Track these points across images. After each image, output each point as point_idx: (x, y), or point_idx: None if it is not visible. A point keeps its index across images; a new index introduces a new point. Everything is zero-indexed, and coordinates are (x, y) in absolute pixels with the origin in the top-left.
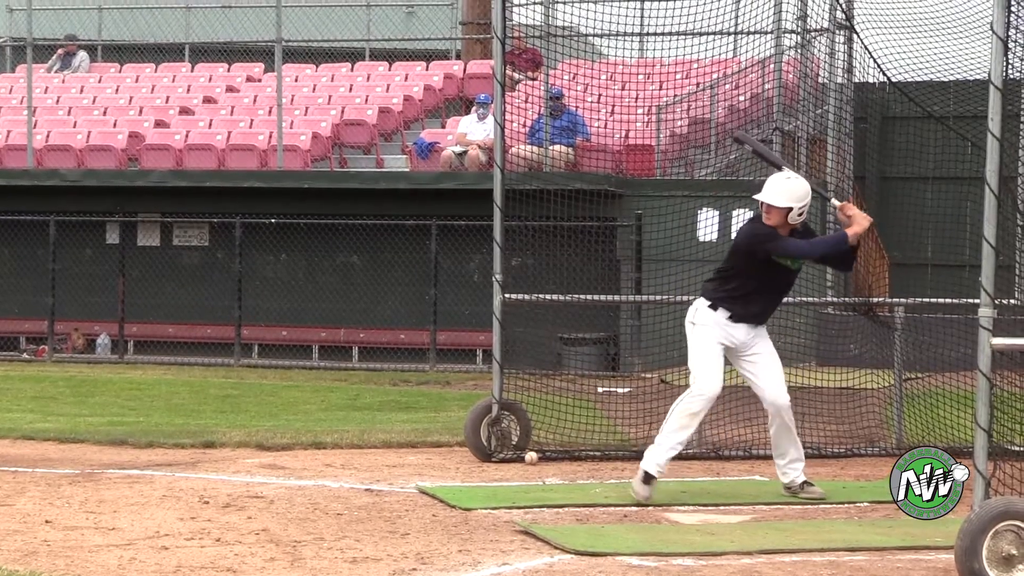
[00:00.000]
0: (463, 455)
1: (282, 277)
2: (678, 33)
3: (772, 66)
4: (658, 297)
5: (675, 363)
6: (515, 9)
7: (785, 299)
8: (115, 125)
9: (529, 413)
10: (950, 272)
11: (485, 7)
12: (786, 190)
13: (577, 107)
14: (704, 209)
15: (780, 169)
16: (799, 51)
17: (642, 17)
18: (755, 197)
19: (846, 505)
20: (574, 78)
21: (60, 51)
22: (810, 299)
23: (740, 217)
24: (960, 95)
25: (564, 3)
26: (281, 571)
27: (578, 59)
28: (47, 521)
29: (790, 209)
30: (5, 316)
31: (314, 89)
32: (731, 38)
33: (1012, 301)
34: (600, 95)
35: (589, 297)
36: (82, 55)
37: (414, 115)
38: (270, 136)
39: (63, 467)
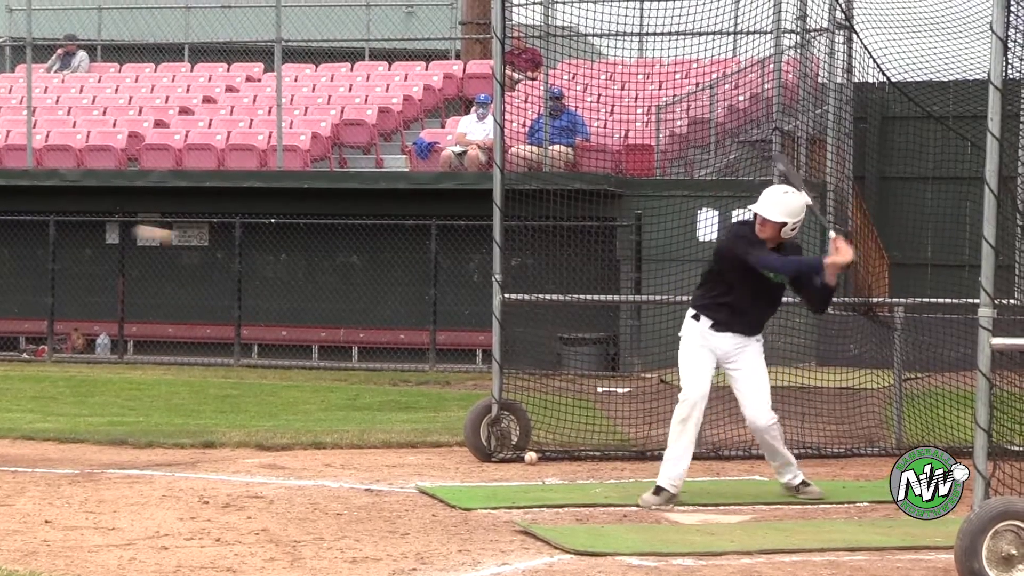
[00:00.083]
0: (463, 455)
1: (282, 277)
2: (677, 33)
3: (771, 66)
4: (658, 297)
5: (675, 363)
6: (515, 9)
7: (785, 299)
8: (115, 125)
9: (529, 413)
10: (950, 272)
11: (485, 7)
12: (783, 204)
13: (577, 107)
14: (704, 209)
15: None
16: (799, 51)
17: (641, 17)
18: (750, 208)
19: (846, 505)
20: (573, 78)
21: (60, 51)
22: None
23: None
24: (960, 95)
25: (564, 3)
26: (281, 571)
27: (578, 59)
28: (47, 521)
29: (784, 224)
30: (5, 316)
31: (314, 89)
32: (730, 38)
33: (1012, 301)
34: (599, 95)
35: (589, 297)
36: (82, 55)
37: (414, 115)
38: (270, 136)
39: (63, 467)
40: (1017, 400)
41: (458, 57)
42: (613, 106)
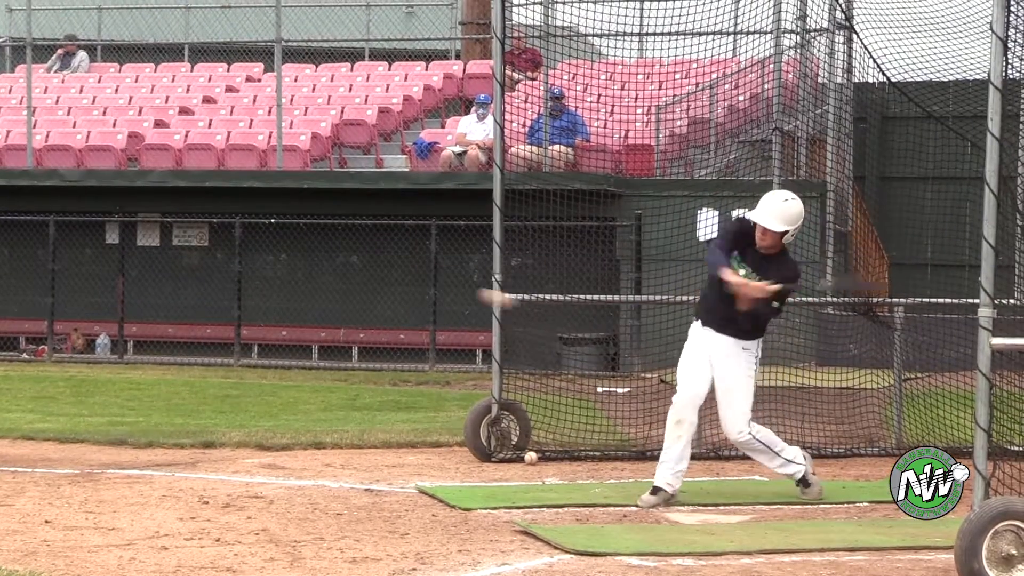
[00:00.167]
0: (463, 455)
1: (282, 277)
2: (677, 33)
3: (771, 66)
4: (658, 297)
5: (675, 363)
6: (515, 9)
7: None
8: (115, 125)
9: (529, 413)
10: (949, 272)
11: (485, 7)
12: (782, 213)
13: (576, 107)
14: (703, 209)
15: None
16: (799, 51)
17: (641, 17)
18: (749, 215)
19: (846, 505)
20: (573, 78)
21: (60, 51)
22: (810, 299)
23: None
24: (960, 95)
25: (564, 3)
26: (281, 571)
27: (578, 59)
28: (47, 521)
29: (786, 232)
30: (5, 316)
31: (314, 89)
32: (730, 38)
33: (1012, 301)
34: (599, 95)
35: (589, 297)
36: (82, 55)
37: (414, 115)
38: (270, 136)
39: (63, 467)
40: (1017, 400)
41: (458, 57)
42: (613, 106)
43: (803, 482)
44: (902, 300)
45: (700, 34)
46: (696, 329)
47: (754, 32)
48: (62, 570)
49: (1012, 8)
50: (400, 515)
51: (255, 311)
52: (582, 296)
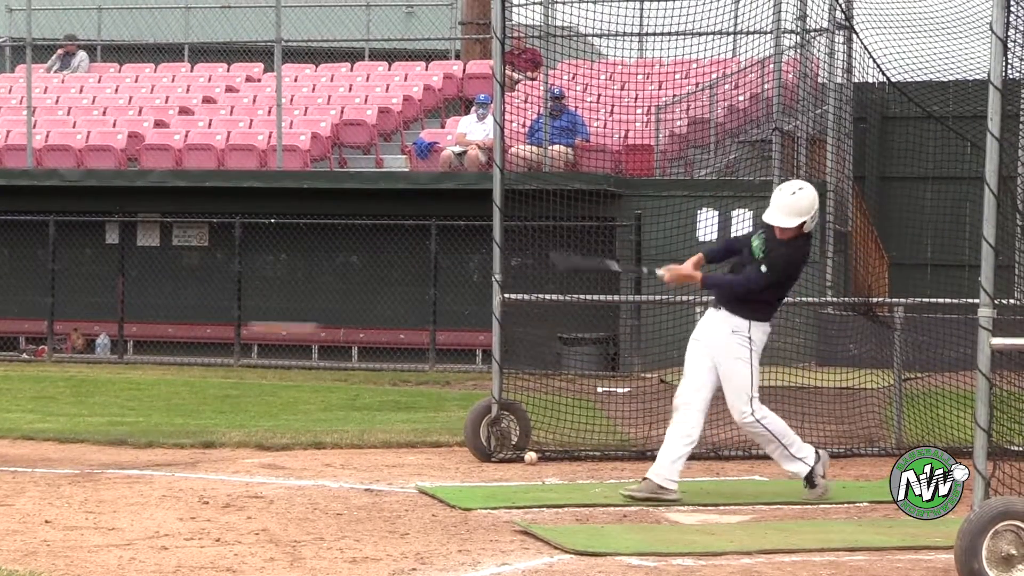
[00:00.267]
0: (463, 455)
1: (282, 277)
2: (677, 33)
3: (771, 66)
4: (658, 297)
5: (675, 363)
6: (515, 9)
7: (787, 299)
8: (115, 125)
9: (529, 413)
10: (949, 272)
11: (485, 7)
12: (791, 206)
13: (576, 107)
14: (703, 209)
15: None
16: (798, 51)
17: (641, 17)
18: (764, 219)
19: (846, 505)
20: (573, 78)
21: (60, 51)
22: (810, 299)
23: (740, 217)
24: (960, 95)
25: (564, 3)
26: (281, 571)
27: (578, 59)
28: (47, 521)
29: (803, 223)
30: (5, 316)
31: (313, 89)
32: (730, 38)
33: (1012, 301)
34: (599, 95)
35: (589, 297)
36: (81, 55)
37: (414, 115)
38: (269, 136)
39: (63, 467)
40: (1017, 400)
41: (458, 57)
42: (613, 106)
43: (809, 481)
44: (902, 300)
45: (700, 34)
46: (704, 314)
47: (754, 32)
48: (62, 570)
49: (1012, 8)
50: (400, 515)
51: (255, 311)
52: (582, 296)
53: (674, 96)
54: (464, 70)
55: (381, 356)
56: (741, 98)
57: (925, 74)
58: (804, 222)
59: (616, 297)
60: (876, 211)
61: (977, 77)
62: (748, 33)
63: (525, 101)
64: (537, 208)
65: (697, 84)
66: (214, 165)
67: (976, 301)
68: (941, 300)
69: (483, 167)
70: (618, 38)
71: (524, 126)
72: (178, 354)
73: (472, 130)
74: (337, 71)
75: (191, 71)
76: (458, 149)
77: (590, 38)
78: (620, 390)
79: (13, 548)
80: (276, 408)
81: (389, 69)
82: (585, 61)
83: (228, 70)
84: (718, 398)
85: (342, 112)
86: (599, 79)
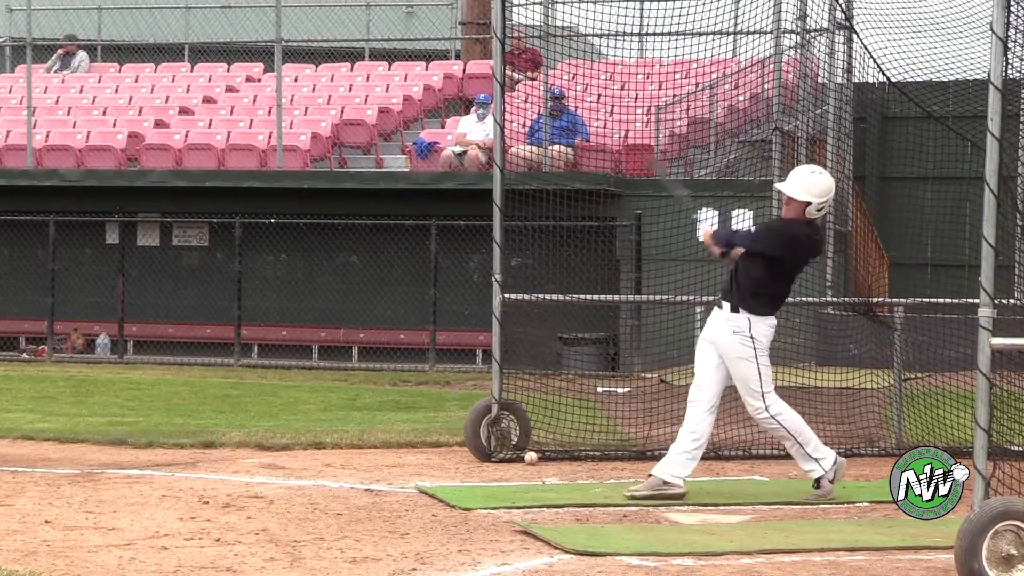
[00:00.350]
0: (463, 455)
1: (282, 277)
2: (677, 33)
3: (771, 66)
4: (658, 297)
5: (675, 363)
6: (515, 9)
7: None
8: (115, 125)
9: (529, 413)
10: (949, 272)
11: (485, 7)
12: (806, 183)
13: (576, 107)
14: (703, 209)
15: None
16: (799, 51)
17: (641, 17)
18: (776, 185)
19: (846, 505)
20: (573, 78)
21: (60, 51)
22: (810, 299)
23: (740, 217)
24: (960, 95)
25: (564, 3)
26: (281, 571)
27: (578, 59)
28: (47, 521)
29: (809, 203)
30: (5, 316)
31: (314, 89)
32: (730, 38)
33: (1012, 301)
34: (599, 95)
35: (589, 297)
36: (82, 55)
37: (414, 115)
38: (270, 136)
39: (63, 467)
40: (1017, 400)
41: (458, 57)
42: (613, 106)
43: (817, 482)
44: (902, 300)
45: (700, 34)
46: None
47: (754, 32)
48: (62, 570)
49: (1012, 8)
50: (400, 515)
51: (255, 311)
52: (582, 296)
53: (674, 96)
54: (464, 70)
55: (381, 356)
56: (741, 98)
57: (925, 74)
58: (810, 203)
59: (616, 297)
60: (876, 211)
61: (977, 77)
62: (748, 33)
63: (525, 101)
64: (537, 208)
65: (697, 84)
66: (214, 165)
67: (976, 301)
68: (941, 300)
69: (483, 167)
70: (618, 38)
71: (524, 126)
72: (178, 354)
73: (472, 130)
74: (337, 71)
75: (191, 71)
76: (458, 149)
77: (590, 38)
78: (620, 390)
79: (13, 548)
80: (276, 408)
81: (389, 69)
82: (585, 61)
83: (228, 70)
84: (732, 397)
85: (342, 112)
86: (599, 79)
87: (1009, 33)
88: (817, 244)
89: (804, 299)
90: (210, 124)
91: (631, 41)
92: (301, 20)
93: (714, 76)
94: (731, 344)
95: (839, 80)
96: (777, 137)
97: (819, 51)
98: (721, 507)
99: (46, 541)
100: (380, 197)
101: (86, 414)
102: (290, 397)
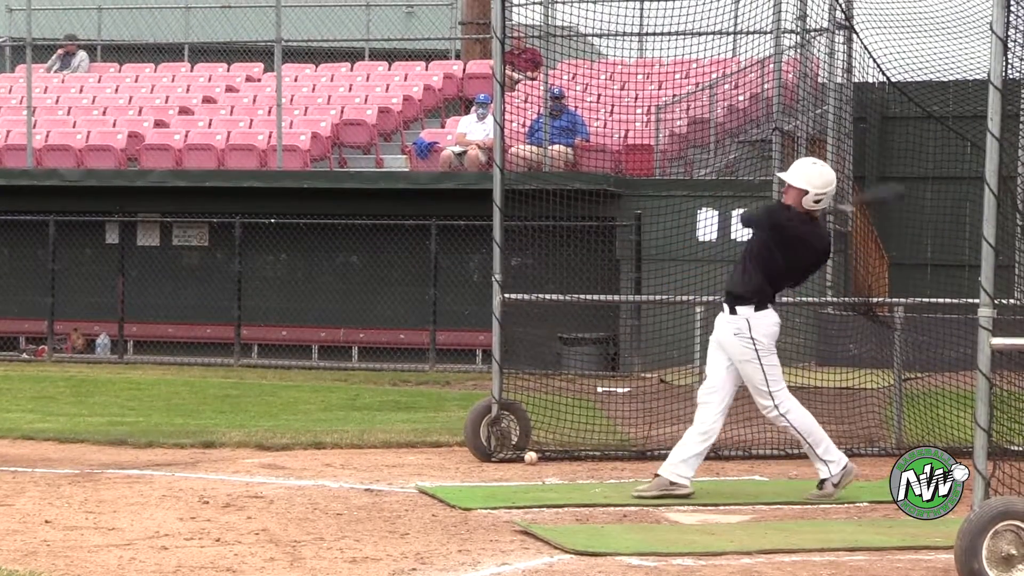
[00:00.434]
0: (463, 455)
1: (282, 277)
2: (677, 33)
3: (771, 66)
4: (658, 297)
5: (675, 363)
6: (515, 9)
7: (786, 299)
8: (115, 125)
9: (529, 413)
10: (949, 272)
11: (485, 7)
12: (807, 172)
13: (576, 107)
14: (703, 209)
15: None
16: (798, 51)
17: (641, 17)
18: (777, 174)
19: (846, 505)
20: (573, 78)
21: (60, 51)
22: (810, 299)
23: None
24: (960, 95)
25: (564, 3)
26: (281, 571)
27: (578, 59)
28: (47, 521)
29: (806, 192)
30: (5, 316)
31: (313, 89)
32: (730, 38)
33: (1012, 301)
34: (599, 95)
35: (589, 297)
36: (82, 55)
37: (414, 115)
38: (270, 136)
39: (63, 467)
40: (1017, 400)
41: (458, 57)
42: (613, 106)
43: (821, 483)
44: (902, 300)
45: (700, 34)
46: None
47: (754, 32)
48: (62, 570)
49: (1012, 8)
50: (400, 515)
51: (255, 311)
52: (582, 296)
53: (674, 96)
54: (464, 70)
55: (381, 356)
56: (741, 98)
57: (925, 74)
58: (807, 192)
59: (616, 297)
60: (876, 211)
61: (977, 77)
62: (748, 33)
63: (525, 101)
64: (537, 208)
65: (697, 84)
66: (214, 165)
67: (976, 301)
68: (941, 300)
69: (483, 167)
70: (618, 38)
71: (524, 126)
72: (178, 354)
73: (472, 130)
74: (337, 71)
75: (191, 71)
76: (458, 149)
77: (590, 38)
78: (620, 390)
79: (13, 548)
80: (276, 408)
81: (389, 69)
82: (585, 61)
83: (228, 70)
84: (744, 398)
85: (342, 112)
86: (599, 79)
87: (1009, 33)
88: (823, 238)
89: (804, 299)
90: (210, 124)
91: (631, 41)
92: (301, 20)
93: (714, 76)
94: (734, 346)
95: (839, 80)
96: (777, 137)
97: (819, 51)
98: (721, 507)
99: (46, 541)
100: (380, 197)
101: (86, 414)
102: (290, 397)
